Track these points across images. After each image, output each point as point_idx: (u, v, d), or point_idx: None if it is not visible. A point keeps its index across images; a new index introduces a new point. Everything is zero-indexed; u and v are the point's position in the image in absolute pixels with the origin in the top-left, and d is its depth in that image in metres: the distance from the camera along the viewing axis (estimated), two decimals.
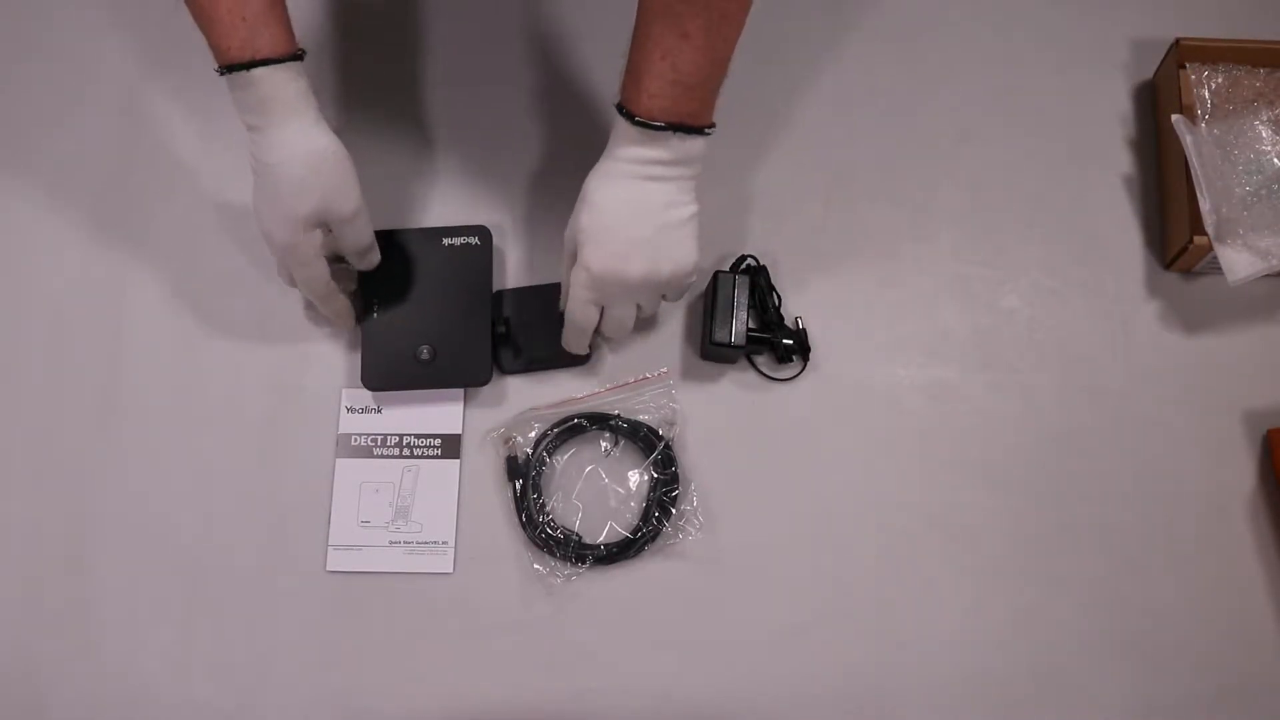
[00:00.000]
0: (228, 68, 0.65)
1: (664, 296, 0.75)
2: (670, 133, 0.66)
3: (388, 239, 0.79)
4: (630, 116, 0.66)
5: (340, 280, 0.76)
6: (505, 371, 0.80)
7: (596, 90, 0.87)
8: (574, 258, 0.71)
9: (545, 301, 0.79)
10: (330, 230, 0.71)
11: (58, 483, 0.79)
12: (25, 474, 0.79)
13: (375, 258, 0.77)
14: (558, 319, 0.76)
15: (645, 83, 0.65)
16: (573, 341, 0.76)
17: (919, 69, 0.89)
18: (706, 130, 0.68)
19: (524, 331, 0.80)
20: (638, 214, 0.69)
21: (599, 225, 0.69)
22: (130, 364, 0.81)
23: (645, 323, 0.80)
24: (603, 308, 0.73)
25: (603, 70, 0.87)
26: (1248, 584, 0.76)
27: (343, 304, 0.77)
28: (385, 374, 0.78)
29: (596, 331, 0.75)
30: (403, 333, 0.78)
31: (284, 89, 0.66)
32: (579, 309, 0.72)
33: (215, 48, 0.66)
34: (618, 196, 0.69)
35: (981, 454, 0.79)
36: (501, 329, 0.79)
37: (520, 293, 0.82)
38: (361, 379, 0.78)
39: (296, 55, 0.67)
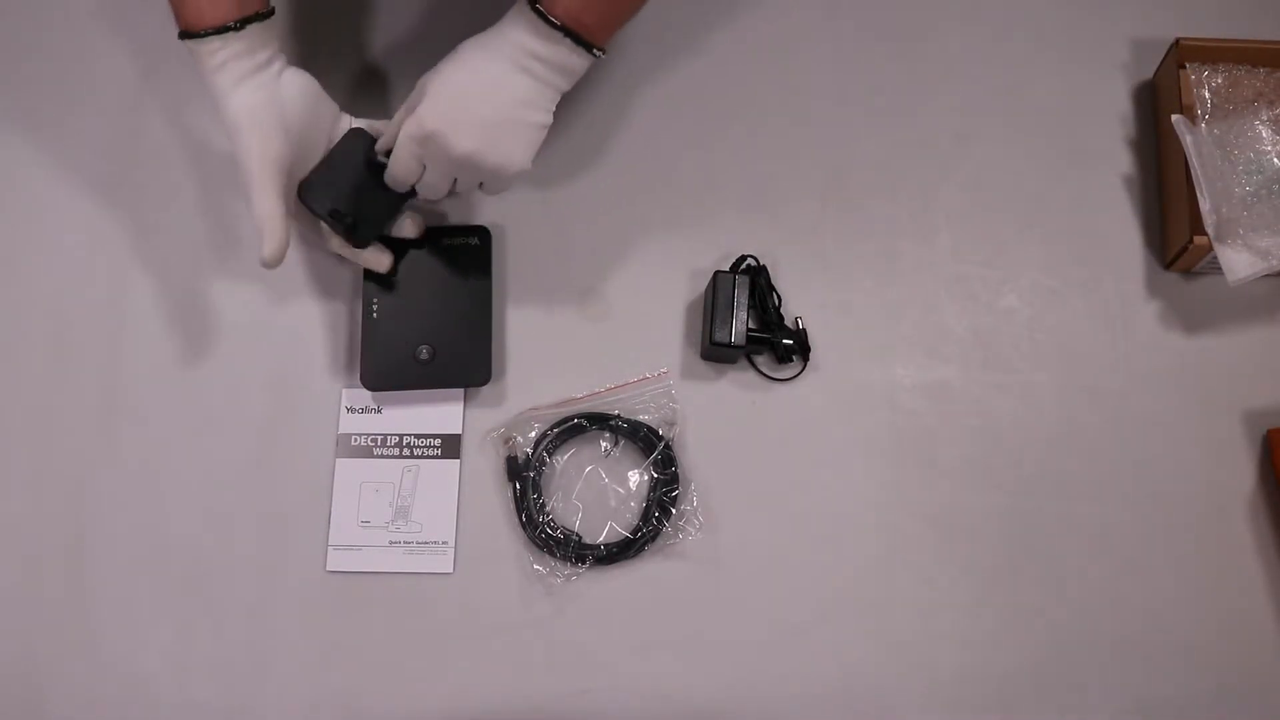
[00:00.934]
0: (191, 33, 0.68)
1: (481, 185, 0.74)
2: (563, 35, 0.66)
3: (387, 240, 0.79)
4: (533, 3, 0.66)
5: (379, 259, 0.78)
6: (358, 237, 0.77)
7: (597, 92, 0.87)
8: (413, 106, 0.70)
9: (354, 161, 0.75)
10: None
11: (58, 483, 0.79)
12: (25, 474, 0.79)
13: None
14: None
15: None
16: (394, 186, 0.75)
17: (919, 69, 0.89)
18: (596, 51, 0.67)
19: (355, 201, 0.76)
20: (492, 94, 0.68)
21: (451, 88, 0.68)
22: (130, 364, 0.81)
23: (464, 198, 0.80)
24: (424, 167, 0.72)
25: (604, 70, 0.87)
26: (1248, 584, 0.76)
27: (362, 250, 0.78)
28: (385, 374, 0.78)
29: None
30: (402, 333, 0.78)
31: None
32: (402, 159, 0.71)
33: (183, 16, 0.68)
34: (482, 70, 0.68)
35: (981, 454, 0.79)
36: (349, 220, 0.75)
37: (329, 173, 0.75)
38: (361, 379, 0.78)
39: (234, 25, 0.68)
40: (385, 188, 0.75)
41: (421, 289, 0.79)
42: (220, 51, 0.68)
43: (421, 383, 0.78)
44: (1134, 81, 0.89)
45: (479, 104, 0.68)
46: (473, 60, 0.69)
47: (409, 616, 0.76)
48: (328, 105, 0.76)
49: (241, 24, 0.68)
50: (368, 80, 0.89)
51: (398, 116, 0.73)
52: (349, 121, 0.77)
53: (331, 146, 0.75)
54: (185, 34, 0.69)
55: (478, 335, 0.78)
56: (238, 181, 0.70)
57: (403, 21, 0.90)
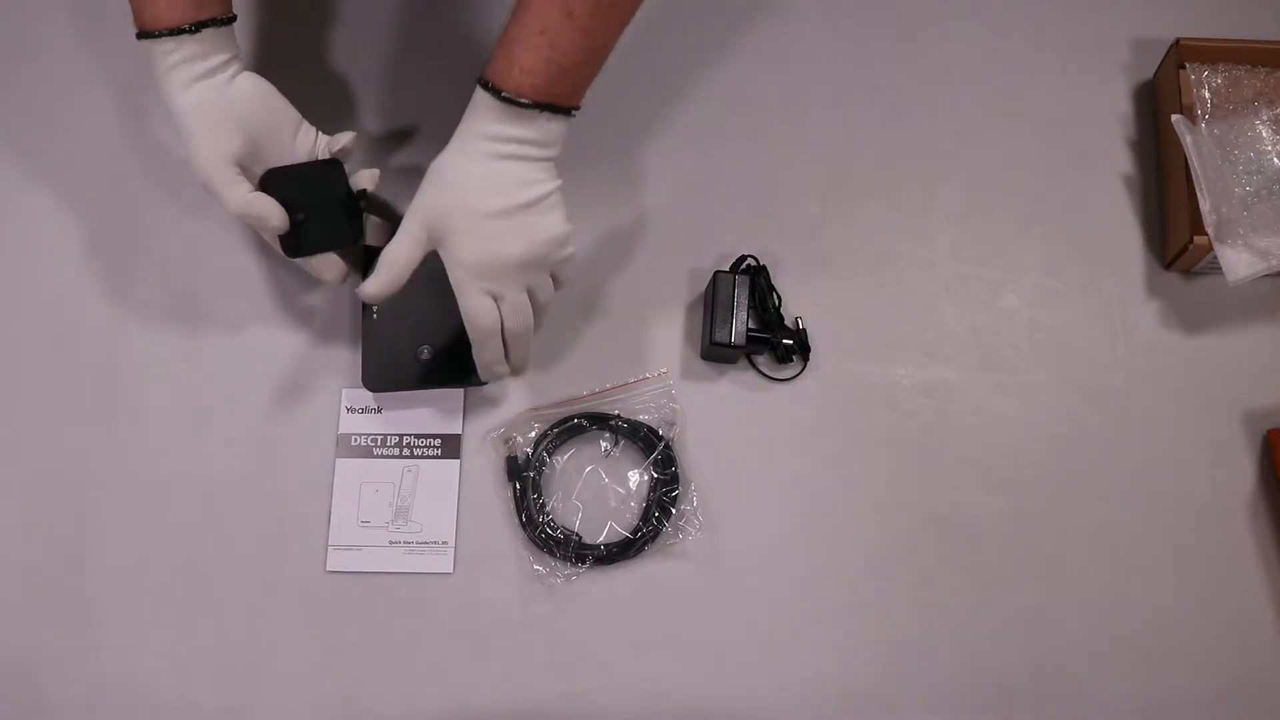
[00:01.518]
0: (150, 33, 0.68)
1: (554, 279, 0.72)
2: (537, 111, 0.64)
3: (370, 250, 0.78)
4: (497, 92, 0.64)
5: (329, 267, 0.76)
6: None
7: (597, 92, 0.87)
8: (422, 241, 0.68)
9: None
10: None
11: (58, 483, 0.79)
12: (25, 474, 0.79)
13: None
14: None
15: (519, 57, 0.63)
16: (487, 353, 0.72)
17: (919, 69, 0.89)
18: (573, 112, 0.66)
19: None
20: (499, 192, 0.66)
21: (462, 209, 0.67)
22: (130, 364, 0.81)
23: (547, 318, 0.76)
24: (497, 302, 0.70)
25: (604, 71, 0.87)
26: (1248, 584, 0.76)
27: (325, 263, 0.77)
28: (385, 375, 0.78)
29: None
30: (403, 333, 0.78)
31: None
32: (476, 307, 0.69)
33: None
34: (476, 175, 0.66)
35: (981, 454, 0.79)
36: (300, 218, 0.72)
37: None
38: (362, 380, 0.78)
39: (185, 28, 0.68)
40: (348, 221, 0.75)
41: (421, 289, 0.79)
42: (174, 53, 0.68)
43: (422, 383, 0.78)
44: (1134, 81, 0.89)
45: (494, 208, 0.66)
46: (460, 173, 0.67)
47: (409, 616, 0.76)
48: (286, 112, 0.74)
49: (196, 27, 0.68)
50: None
51: (396, 246, 0.69)
52: (314, 134, 0.75)
53: (297, 160, 0.74)
54: (141, 34, 0.68)
55: None
56: (197, 183, 0.70)
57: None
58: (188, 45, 0.68)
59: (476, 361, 0.73)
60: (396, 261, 0.68)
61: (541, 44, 0.63)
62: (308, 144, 0.75)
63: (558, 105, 0.65)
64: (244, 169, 0.71)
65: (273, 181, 0.72)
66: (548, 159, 0.68)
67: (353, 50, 0.89)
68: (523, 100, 0.64)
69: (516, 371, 0.76)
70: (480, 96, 0.66)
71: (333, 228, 0.75)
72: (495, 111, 0.65)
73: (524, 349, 0.74)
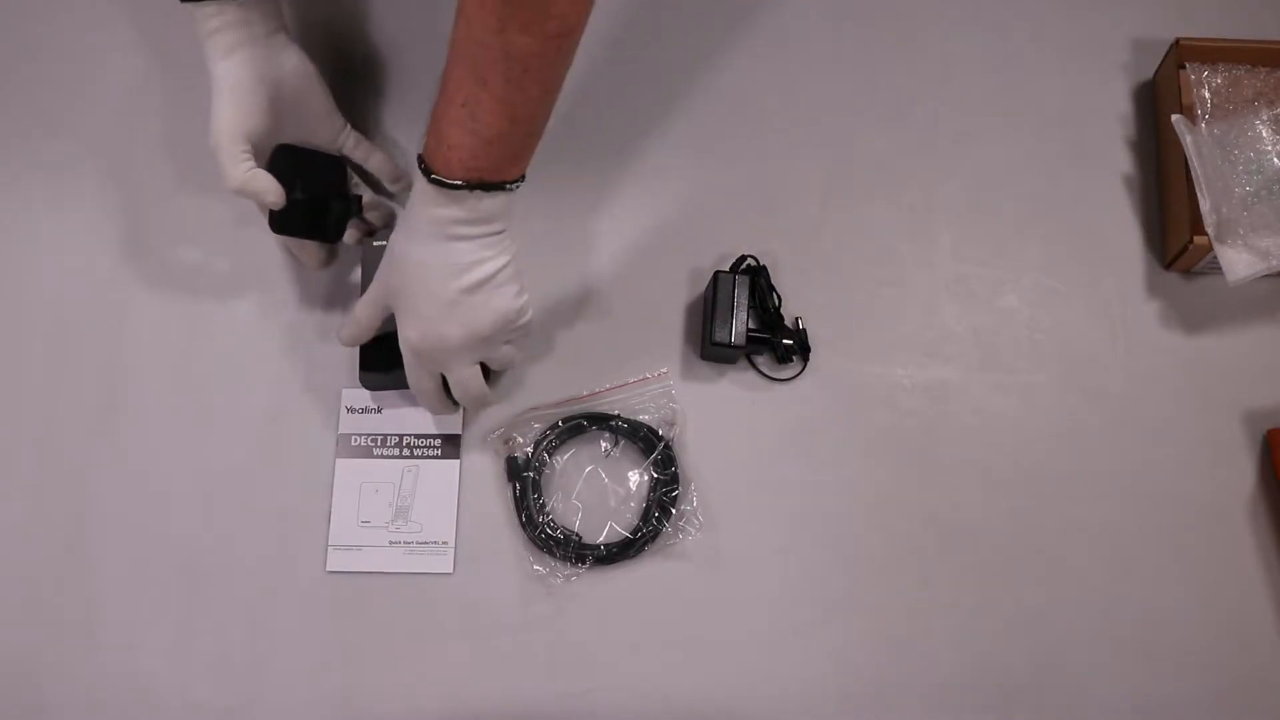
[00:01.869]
0: None
1: (508, 343, 0.73)
2: (468, 191, 0.62)
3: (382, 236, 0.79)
4: (428, 173, 0.62)
5: (309, 254, 0.78)
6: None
7: (597, 92, 0.87)
8: (382, 308, 0.71)
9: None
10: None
11: (58, 483, 0.79)
12: (25, 474, 0.79)
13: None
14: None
15: (445, 132, 0.61)
16: (439, 411, 0.77)
17: (918, 68, 0.89)
18: (509, 186, 0.64)
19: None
20: (442, 277, 0.65)
21: (408, 291, 0.67)
22: (130, 364, 0.81)
23: (510, 369, 0.78)
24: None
25: (604, 70, 0.87)
26: (1248, 584, 0.76)
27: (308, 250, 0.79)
28: (383, 374, 0.78)
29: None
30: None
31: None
32: (416, 381, 0.73)
33: None
34: (420, 260, 0.65)
35: (981, 454, 0.79)
36: (295, 195, 0.73)
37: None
38: (360, 379, 0.78)
39: None
40: (332, 219, 0.76)
41: None
42: (215, 18, 0.68)
43: None
44: (1134, 81, 0.89)
45: (436, 293, 0.65)
46: (406, 255, 0.66)
47: (409, 616, 0.76)
48: (322, 98, 0.75)
49: None
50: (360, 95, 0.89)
51: (361, 303, 0.72)
52: (344, 129, 0.77)
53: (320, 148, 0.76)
54: None
55: None
56: (210, 151, 0.70)
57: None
58: (229, 11, 0.68)
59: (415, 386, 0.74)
60: (360, 321, 0.72)
61: (463, 116, 0.60)
62: (331, 135, 0.76)
63: (488, 182, 0.62)
64: (258, 146, 0.71)
65: (280, 156, 0.74)
66: (494, 234, 0.65)
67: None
68: (453, 181, 0.62)
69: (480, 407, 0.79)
70: (417, 175, 0.63)
71: (315, 219, 0.76)
72: (430, 192, 0.63)
73: (479, 407, 0.78)
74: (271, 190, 0.70)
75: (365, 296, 0.72)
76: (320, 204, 0.76)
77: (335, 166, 0.78)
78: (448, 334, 0.67)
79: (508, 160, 0.63)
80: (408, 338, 0.69)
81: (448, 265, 0.65)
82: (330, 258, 0.81)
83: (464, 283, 0.65)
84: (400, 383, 0.78)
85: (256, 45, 0.70)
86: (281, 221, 0.74)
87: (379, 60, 0.89)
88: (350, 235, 0.80)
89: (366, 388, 0.78)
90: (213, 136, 0.70)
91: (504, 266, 0.66)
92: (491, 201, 0.63)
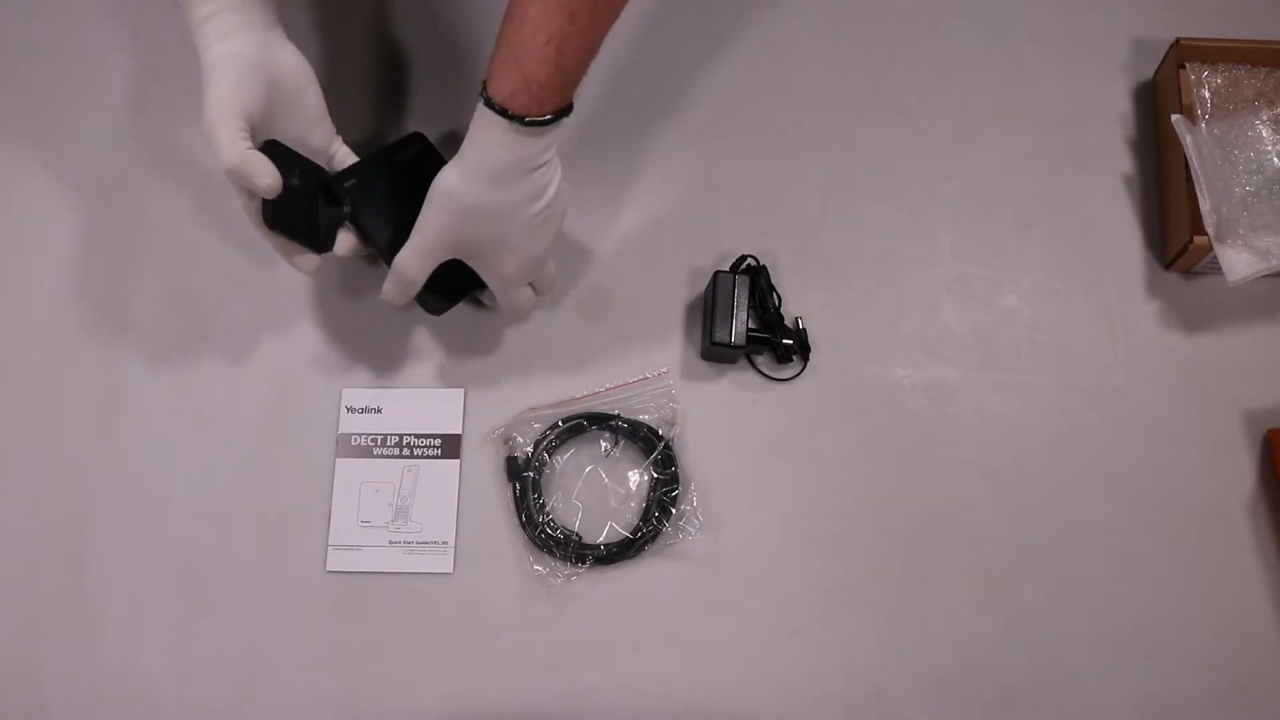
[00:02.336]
0: None
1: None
2: (555, 123, 0.64)
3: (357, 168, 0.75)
4: (519, 118, 0.62)
5: (305, 260, 0.74)
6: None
7: (596, 91, 0.87)
8: (439, 260, 0.70)
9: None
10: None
11: (58, 483, 0.79)
12: (25, 474, 0.79)
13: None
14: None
15: (532, 73, 0.61)
16: (524, 313, 0.78)
17: (918, 68, 0.89)
18: (572, 106, 0.66)
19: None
20: (525, 207, 0.67)
21: (493, 235, 0.68)
22: (130, 364, 0.81)
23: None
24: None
25: (603, 70, 0.87)
26: (1248, 584, 0.76)
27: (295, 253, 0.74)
28: (451, 299, 0.76)
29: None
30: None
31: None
32: (521, 299, 0.74)
33: None
34: (501, 202, 0.66)
35: (981, 454, 0.79)
36: (295, 184, 0.69)
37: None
38: (429, 308, 0.76)
39: None
40: (323, 226, 0.73)
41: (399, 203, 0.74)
42: (209, 4, 0.66)
43: (473, 283, 0.75)
44: (1134, 81, 0.89)
45: (523, 222, 0.68)
46: (484, 202, 0.66)
47: (409, 616, 0.76)
48: (315, 101, 0.72)
49: None
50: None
51: (415, 256, 0.69)
52: (334, 138, 0.74)
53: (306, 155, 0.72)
54: None
55: None
56: (204, 134, 0.66)
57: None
58: None
59: (508, 306, 0.75)
60: (409, 276, 0.70)
61: (550, 54, 0.61)
62: (324, 142, 0.74)
63: (565, 107, 0.65)
64: (253, 132, 0.67)
65: (271, 152, 0.68)
66: (555, 151, 0.68)
67: (345, 54, 0.89)
68: (544, 118, 0.63)
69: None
70: (491, 119, 0.63)
71: (307, 220, 0.72)
72: (513, 137, 0.63)
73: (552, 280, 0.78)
74: (268, 173, 0.66)
75: (413, 251, 0.69)
76: (312, 204, 0.72)
77: (323, 176, 0.73)
78: (537, 251, 0.70)
79: (578, 84, 0.65)
80: (504, 274, 0.71)
81: (529, 195, 0.67)
82: (319, 264, 0.76)
83: (543, 202, 0.68)
84: (459, 296, 0.77)
85: (255, 31, 0.67)
86: (275, 214, 0.70)
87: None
88: (342, 245, 0.74)
89: (436, 314, 0.77)
90: (208, 113, 0.66)
91: (558, 171, 0.69)
92: (565, 122, 0.65)
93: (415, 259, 0.70)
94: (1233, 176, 0.80)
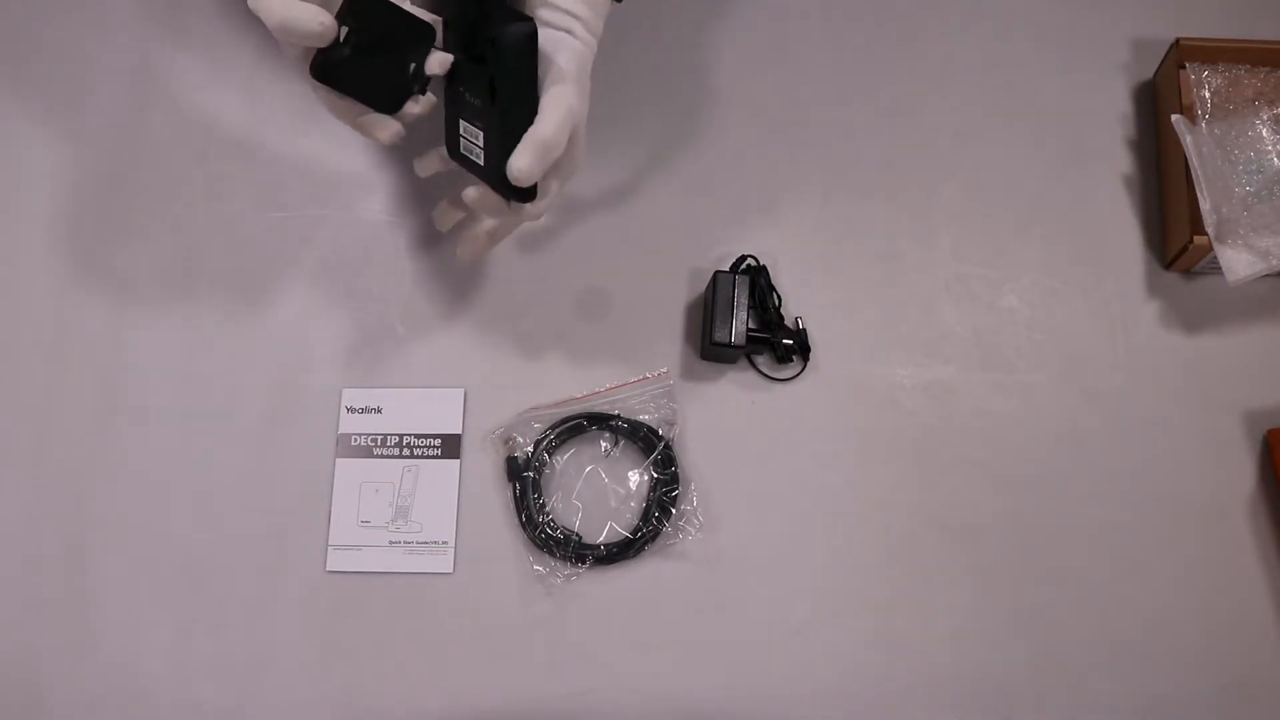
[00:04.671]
0: None
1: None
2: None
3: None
4: None
5: (383, 128, 0.65)
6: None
7: (596, 91, 0.87)
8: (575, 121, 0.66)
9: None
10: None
11: (58, 483, 0.79)
12: (25, 474, 0.79)
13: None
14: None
15: None
16: (537, 160, 0.65)
17: (918, 68, 0.89)
18: None
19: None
20: (586, 70, 0.69)
21: (584, 102, 0.68)
22: (130, 364, 0.81)
23: None
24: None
25: (603, 70, 0.87)
26: (1248, 584, 0.76)
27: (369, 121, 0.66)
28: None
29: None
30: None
31: None
32: (561, 130, 0.64)
33: None
34: (585, 73, 0.68)
35: (981, 454, 0.79)
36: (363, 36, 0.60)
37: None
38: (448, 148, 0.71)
39: None
40: (392, 87, 0.64)
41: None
42: None
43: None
44: (1134, 81, 0.89)
45: (585, 90, 0.68)
46: (574, 63, 0.67)
47: (409, 616, 0.76)
48: None
49: None
50: None
51: (558, 120, 0.64)
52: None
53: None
54: None
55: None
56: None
57: None
58: None
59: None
60: (546, 139, 0.64)
61: None
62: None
63: None
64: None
65: (356, 5, 0.60)
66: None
67: None
68: None
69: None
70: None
71: (376, 81, 0.63)
72: (609, 10, 0.68)
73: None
74: (312, 20, 0.57)
75: (557, 113, 0.64)
76: (384, 65, 0.62)
77: (422, 30, 0.63)
78: (585, 106, 0.69)
79: None
80: (572, 106, 0.65)
81: (589, 58, 0.69)
82: (400, 130, 0.66)
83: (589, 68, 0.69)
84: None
85: None
86: (327, 68, 0.60)
87: None
88: (416, 104, 0.65)
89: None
90: None
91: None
92: None
93: (562, 124, 0.64)
94: (1233, 176, 0.80)
